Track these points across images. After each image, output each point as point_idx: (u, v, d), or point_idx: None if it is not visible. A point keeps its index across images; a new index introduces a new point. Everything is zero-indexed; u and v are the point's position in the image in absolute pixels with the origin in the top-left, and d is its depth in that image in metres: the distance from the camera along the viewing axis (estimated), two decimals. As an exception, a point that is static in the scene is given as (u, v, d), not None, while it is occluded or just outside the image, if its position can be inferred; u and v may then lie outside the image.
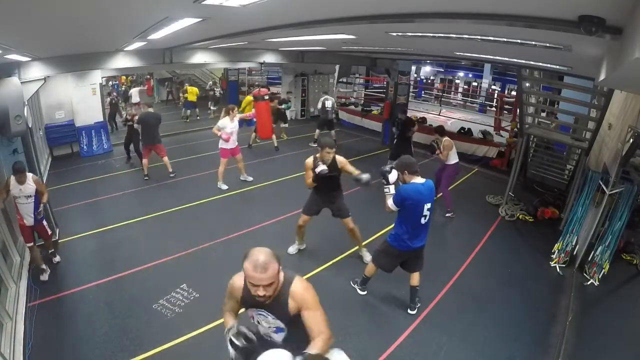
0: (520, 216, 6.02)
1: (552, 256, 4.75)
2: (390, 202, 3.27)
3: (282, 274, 1.72)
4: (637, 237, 5.05)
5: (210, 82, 17.05)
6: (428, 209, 3.24)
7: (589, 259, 4.47)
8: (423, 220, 3.28)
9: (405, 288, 3.94)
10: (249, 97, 9.91)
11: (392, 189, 3.28)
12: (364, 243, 4.61)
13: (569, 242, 4.77)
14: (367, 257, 4.41)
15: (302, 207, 4.46)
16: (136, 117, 7.43)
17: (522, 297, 4.08)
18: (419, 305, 3.74)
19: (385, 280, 4.10)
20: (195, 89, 13.42)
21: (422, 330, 3.49)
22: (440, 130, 6.09)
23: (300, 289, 1.74)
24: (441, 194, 5.95)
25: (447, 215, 5.91)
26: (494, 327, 3.57)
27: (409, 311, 3.73)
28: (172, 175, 7.27)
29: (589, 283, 4.32)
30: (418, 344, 3.33)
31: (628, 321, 3.85)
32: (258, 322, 1.85)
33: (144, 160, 7.21)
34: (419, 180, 3.24)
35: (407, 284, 3.92)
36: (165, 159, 7.26)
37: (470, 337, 3.44)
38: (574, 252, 4.73)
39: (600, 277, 4.31)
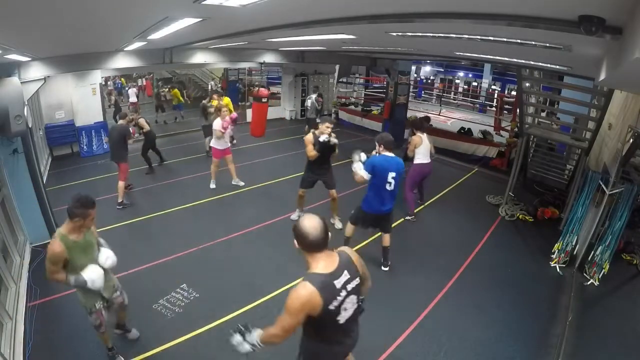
0: (520, 216, 6.02)
1: (552, 256, 4.76)
2: (362, 171, 3.86)
3: None
4: (637, 237, 5.06)
5: (212, 83, 17.20)
6: (393, 177, 3.87)
7: (589, 259, 4.48)
8: (388, 187, 3.90)
9: (405, 291, 4.01)
10: (226, 99, 9.62)
11: (360, 165, 3.90)
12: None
13: (569, 242, 4.77)
14: (338, 224, 5.23)
15: (300, 182, 5.15)
16: (136, 119, 7.02)
17: (522, 297, 4.08)
18: (390, 263, 4.34)
19: (385, 281, 4.11)
20: (177, 91, 13.49)
21: (422, 330, 3.50)
22: (417, 124, 5.84)
23: None
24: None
25: (407, 218, 5.66)
26: (493, 327, 3.58)
27: (382, 268, 4.31)
28: (118, 207, 5.80)
29: (589, 283, 4.33)
30: (418, 343, 3.33)
31: (628, 321, 3.85)
32: None
33: (120, 183, 5.85)
34: (389, 154, 3.91)
35: (407, 287, 4.07)
36: (121, 184, 5.83)
37: (470, 337, 3.44)
38: (574, 252, 4.73)
39: (600, 277, 4.31)
